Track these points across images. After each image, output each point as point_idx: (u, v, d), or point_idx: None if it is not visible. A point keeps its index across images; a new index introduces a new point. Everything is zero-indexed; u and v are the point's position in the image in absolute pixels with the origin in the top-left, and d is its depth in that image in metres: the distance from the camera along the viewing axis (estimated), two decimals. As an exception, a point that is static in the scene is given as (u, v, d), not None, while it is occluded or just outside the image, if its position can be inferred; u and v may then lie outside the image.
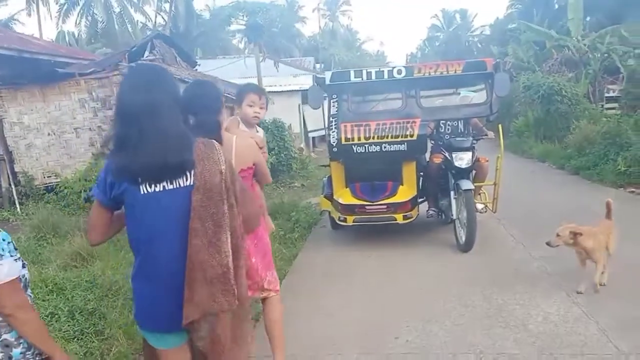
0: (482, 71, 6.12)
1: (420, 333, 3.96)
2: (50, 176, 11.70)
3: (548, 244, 4.48)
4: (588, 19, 21.36)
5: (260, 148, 3.29)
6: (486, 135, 6.53)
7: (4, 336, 1.92)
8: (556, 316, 4.11)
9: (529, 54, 21.41)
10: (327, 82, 6.28)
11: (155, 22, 41.05)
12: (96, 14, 35.88)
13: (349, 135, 6.05)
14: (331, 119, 6.22)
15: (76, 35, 38.21)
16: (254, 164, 3.16)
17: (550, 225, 6.76)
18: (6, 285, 1.88)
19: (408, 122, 5.99)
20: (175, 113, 2.14)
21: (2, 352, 1.90)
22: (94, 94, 11.97)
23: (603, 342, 3.64)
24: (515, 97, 16.71)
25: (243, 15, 24.12)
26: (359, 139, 6.03)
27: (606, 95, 17.66)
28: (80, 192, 9.94)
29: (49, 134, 11.84)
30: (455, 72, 6.09)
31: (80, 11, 35.91)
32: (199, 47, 38.97)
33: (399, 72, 6.16)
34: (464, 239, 5.88)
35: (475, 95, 6.28)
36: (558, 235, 4.47)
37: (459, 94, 6.44)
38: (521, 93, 16.18)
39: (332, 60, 38.93)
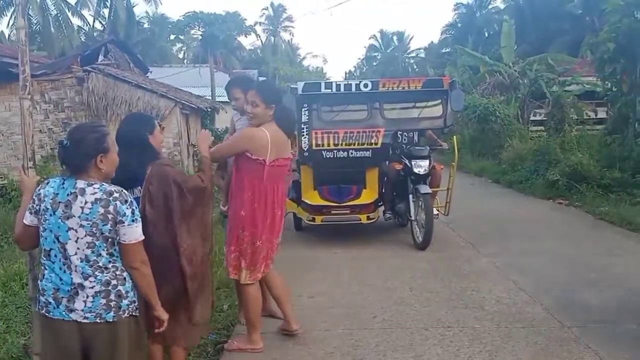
0: (439, 88, 6.84)
1: (394, 313, 4.49)
2: (-5, 177, 11.44)
3: None
4: (516, 47, 23.10)
5: None
6: (440, 146, 7.22)
7: (119, 288, 2.31)
8: (507, 299, 4.77)
9: (464, 77, 22.84)
10: (300, 92, 6.77)
11: (93, 26, 40.11)
12: (31, 16, 34.56)
13: (319, 142, 6.57)
14: (302, 126, 6.71)
15: (7, 36, 36.65)
16: None
17: (491, 229, 7.61)
18: (138, 243, 2.32)
19: (373, 131, 6.59)
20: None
21: (115, 301, 2.27)
22: (46, 96, 11.89)
23: (549, 319, 4.31)
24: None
25: (199, 26, 24.29)
26: (328, 145, 6.57)
27: (532, 118, 19.19)
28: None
29: (-4, 135, 11.61)
30: (415, 87, 6.77)
31: (14, 12, 34.53)
32: (139, 54, 38.35)
33: (365, 85, 6.76)
34: (421, 238, 6.49)
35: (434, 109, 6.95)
36: None
37: (418, 107, 7.07)
38: (458, 112, 17.31)
39: (276, 75, 39.43)
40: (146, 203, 2.89)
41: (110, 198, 2.25)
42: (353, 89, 6.77)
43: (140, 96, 11.74)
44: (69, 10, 35.86)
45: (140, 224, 2.33)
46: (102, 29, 39.49)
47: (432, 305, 4.66)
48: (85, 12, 38.06)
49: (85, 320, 2.25)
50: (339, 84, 6.84)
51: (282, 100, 3.76)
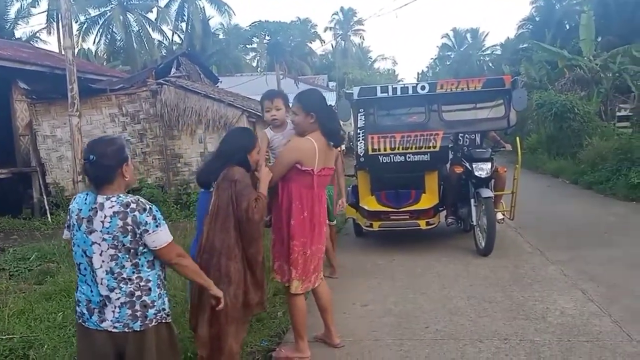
0: (501, 87, 6.55)
1: (448, 323, 4.33)
2: (80, 187, 12.14)
3: None
4: (599, 39, 21.77)
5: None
6: (504, 147, 6.92)
7: (144, 298, 2.37)
8: (573, 310, 4.47)
9: (541, 73, 21.83)
10: (355, 96, 6.71)
11: (172, 40, 42.06)
12: (115, 33, 36.83)
13: (375, 146, 6.47)
14: (359, 131, 6.65)
15: (94, 53, 39.21)
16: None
17: (565, 234, 7.17)
18: (169, 244, 2.39)
19: (431, 135, 6.41)
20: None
21: (140, 311, 2.34)
22: (123, 109, 12.50)
23: (616, 332, 4.00)
24: (527, 115, 17.07)
25: (265, 35, 24.86)
26: (385, 149, 6.46)
27: (618, 114, 17.98)
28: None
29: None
30: (475, 88, 6.52)
31: (99, 30, 36.89)
32: (214, 64, 39.73)
33: (422, 87, 6.60)
34: (483, 243, 6.24)
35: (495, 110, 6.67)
36: None
37: (479, 108, 6.80)
38: (534, 111, 16.54)
39: (345, 79, 39.50)
40: (215, 198, 3.08)
41: (128, 210, 2.31)
42: (410, 91, 6.62)
43: (209, 106, 12.10)
44: (149, 26, 37.85)
45: (165, 226, 2.39)
46: (180, 42, 41.31)
47: (490, 316, 4.44)
48: (164, 27, 40.08)
49: (115, 330, 2.33)
50: (395, 88, 6.71)
51: (322, 108, 3.62)
